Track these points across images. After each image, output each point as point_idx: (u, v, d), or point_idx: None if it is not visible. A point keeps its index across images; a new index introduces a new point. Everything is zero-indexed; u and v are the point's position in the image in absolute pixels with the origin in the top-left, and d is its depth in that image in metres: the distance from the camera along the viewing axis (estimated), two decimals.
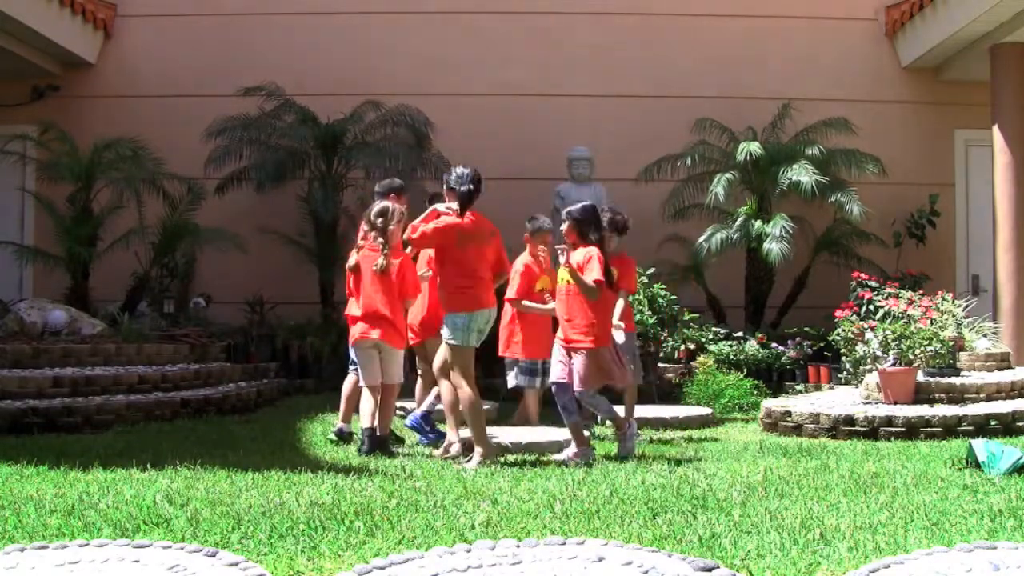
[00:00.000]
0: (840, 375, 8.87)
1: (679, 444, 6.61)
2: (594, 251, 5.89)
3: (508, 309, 6.93)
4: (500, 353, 7.16)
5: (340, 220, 10.38)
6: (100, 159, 9.92)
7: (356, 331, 6.16)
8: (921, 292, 8.68)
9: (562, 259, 5.92)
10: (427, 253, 6.34)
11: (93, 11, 11.01)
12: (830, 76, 11.28)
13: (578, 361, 5.84)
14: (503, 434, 6.43)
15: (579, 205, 6.15)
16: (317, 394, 9.48)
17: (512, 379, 7.11)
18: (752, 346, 9.47)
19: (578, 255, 5.92)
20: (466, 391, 5.75)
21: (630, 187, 10.04)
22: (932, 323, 7.68)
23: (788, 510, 4.16)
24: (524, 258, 6.92)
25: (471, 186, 5.81)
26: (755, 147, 9.90)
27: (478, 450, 5.70)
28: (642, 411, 7.17)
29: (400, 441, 6.52)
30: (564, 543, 3.42)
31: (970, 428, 6.64)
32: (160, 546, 3.42)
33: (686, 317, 9.77)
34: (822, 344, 9.49)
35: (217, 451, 5.90)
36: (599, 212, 6.21)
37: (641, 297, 8.98)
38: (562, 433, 6.62)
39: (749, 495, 4.52)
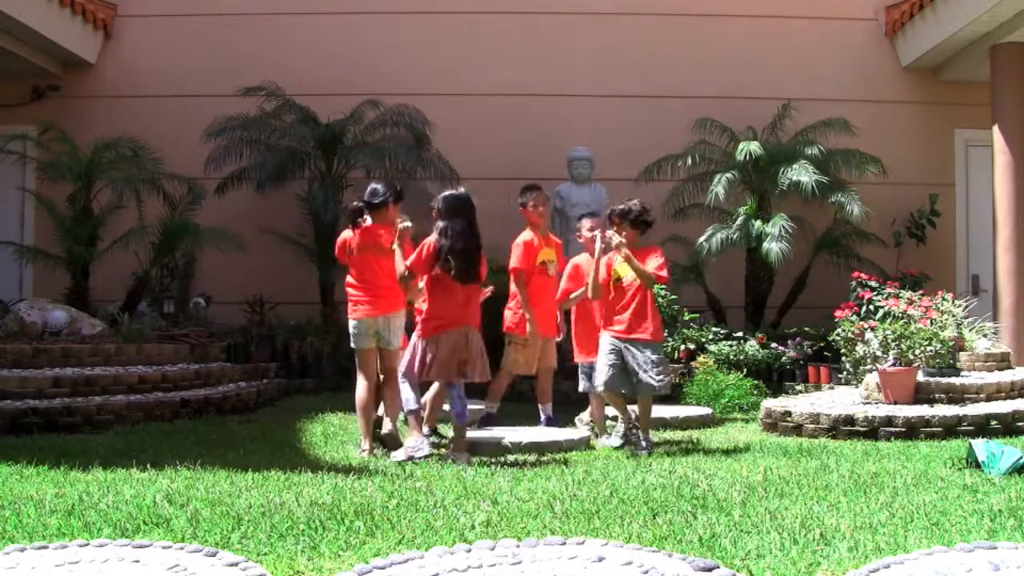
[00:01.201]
0: (840, 375, 8.86)
1: (679, 444, 6.60)
2: (427, 240, 5.88)
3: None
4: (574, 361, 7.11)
5: (340, 220, 10.36)
6: (100, 159, 9.93)
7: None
8: (921, 292, 8.66)
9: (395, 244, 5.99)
10: None
11: (93, 11, 11.02)
12: (830, 76, 11.29)
13: (410, 346, 5.94)
14: (507, 435, 6.43)
15: (448, 192, 6.08)
16: (317, 394, 9.49)
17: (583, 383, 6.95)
18: (752, 346, 9.47)
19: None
20: (361, 389, 6.08)
21: (630, 187, 10.02)
22: (932, 323, 7.68)
23: (788, 510, 4.16)
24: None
25: (359, 203, 6.15)
26: (755, 147, 9.89)
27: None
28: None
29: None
30: (564, 543, 3.42)
31: (970, 428, 6.63)
32: (160, 546, 3.41)
33: (686, 317, 9.78)
34: (822, 344, 9.47)
35: (217, 451, 5.90)
36: (460, 202, 5.91)
37: None
38: (563, 433, 6.65)
39: (749, 495, 4.51)
